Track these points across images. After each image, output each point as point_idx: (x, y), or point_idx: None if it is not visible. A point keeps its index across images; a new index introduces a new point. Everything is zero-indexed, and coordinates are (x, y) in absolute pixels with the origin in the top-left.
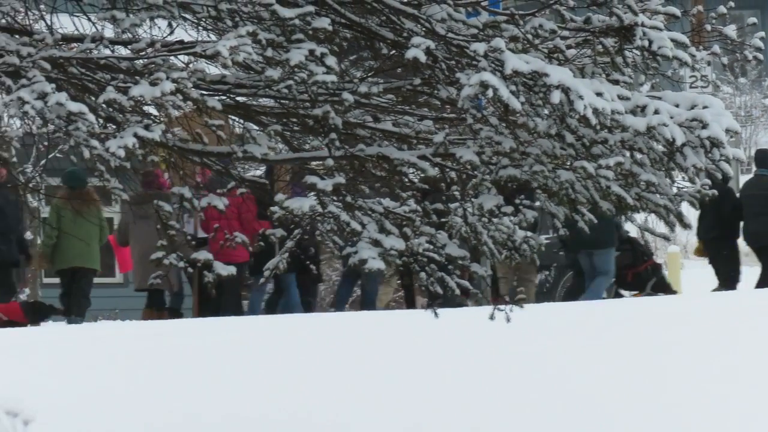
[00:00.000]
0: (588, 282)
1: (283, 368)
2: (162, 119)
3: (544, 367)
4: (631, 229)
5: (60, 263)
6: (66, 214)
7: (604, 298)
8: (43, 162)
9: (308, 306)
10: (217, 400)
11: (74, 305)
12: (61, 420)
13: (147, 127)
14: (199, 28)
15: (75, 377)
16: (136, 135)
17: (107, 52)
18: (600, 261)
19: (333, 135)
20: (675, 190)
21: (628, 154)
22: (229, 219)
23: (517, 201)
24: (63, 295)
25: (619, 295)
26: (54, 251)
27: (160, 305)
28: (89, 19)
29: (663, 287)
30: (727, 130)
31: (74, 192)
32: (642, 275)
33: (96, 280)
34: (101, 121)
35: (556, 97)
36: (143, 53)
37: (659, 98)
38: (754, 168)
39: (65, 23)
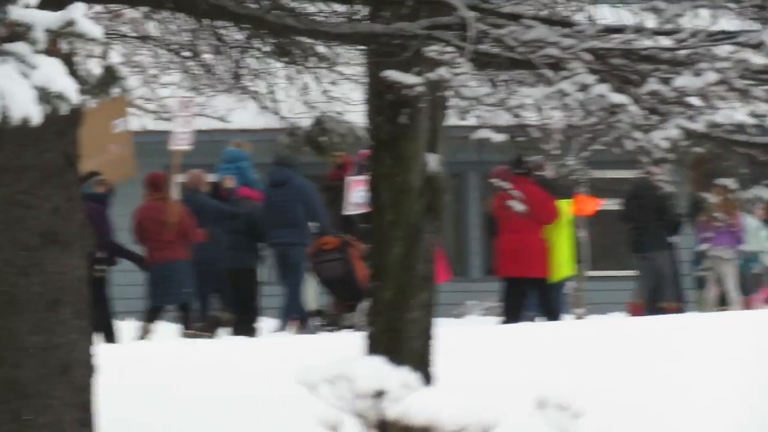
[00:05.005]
0: None
1: None
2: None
3: None
4: None
5: None
6: None
7: None
8: (584, 154)
9: None
10: None
11: None
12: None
13: (691, 118)
14: (743, 17)
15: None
16: (679, 126)
17: (649, 42)
18: None
19: None
20: None
21: None
22: None
23: None
24: None
25: None
26: None
27: None
28: (631, 10)
29: None
30: None
31: None
32: None
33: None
34: (644, 112)
35: None
36: (686, 43)
37: None
38: None
39: (606, 14)
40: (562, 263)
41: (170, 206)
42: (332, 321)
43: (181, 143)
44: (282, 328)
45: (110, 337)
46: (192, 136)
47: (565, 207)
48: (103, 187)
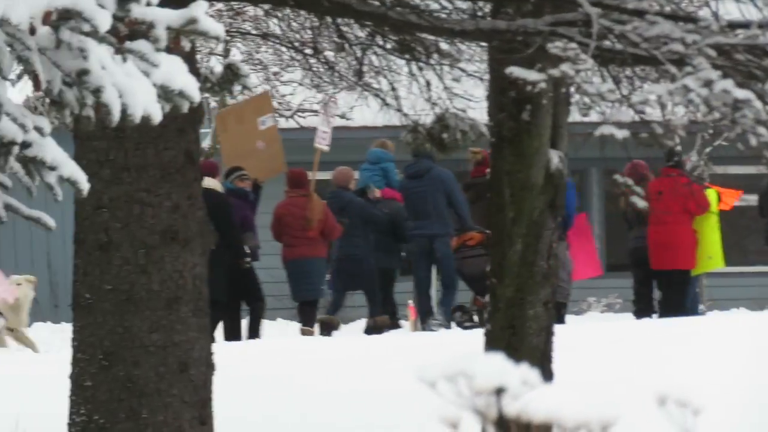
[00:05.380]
0: None
1: None
2: None
3: None
4: None
5: None
6: None
7: None
8: (708, 150)
9: None
10: None
11: None
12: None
13: None
14: None
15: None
16: None
17: None
18: None
19: None
20: None
21: None
22: None
23: None
24: None
25: None
26: None
27: None
28: (755, 5)
29: None
30: None
31: None
32: None
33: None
34: None
35: None
36: None
37: None
38: None
39: (731, 9)
40: (713, 254)
41: (313, 203)
42: (473, 317)
43: (322, 142)
44: (448, 323)
45: (235, 327)
46: (331, 136)
47: (714, 198)
48: (246, 182)
